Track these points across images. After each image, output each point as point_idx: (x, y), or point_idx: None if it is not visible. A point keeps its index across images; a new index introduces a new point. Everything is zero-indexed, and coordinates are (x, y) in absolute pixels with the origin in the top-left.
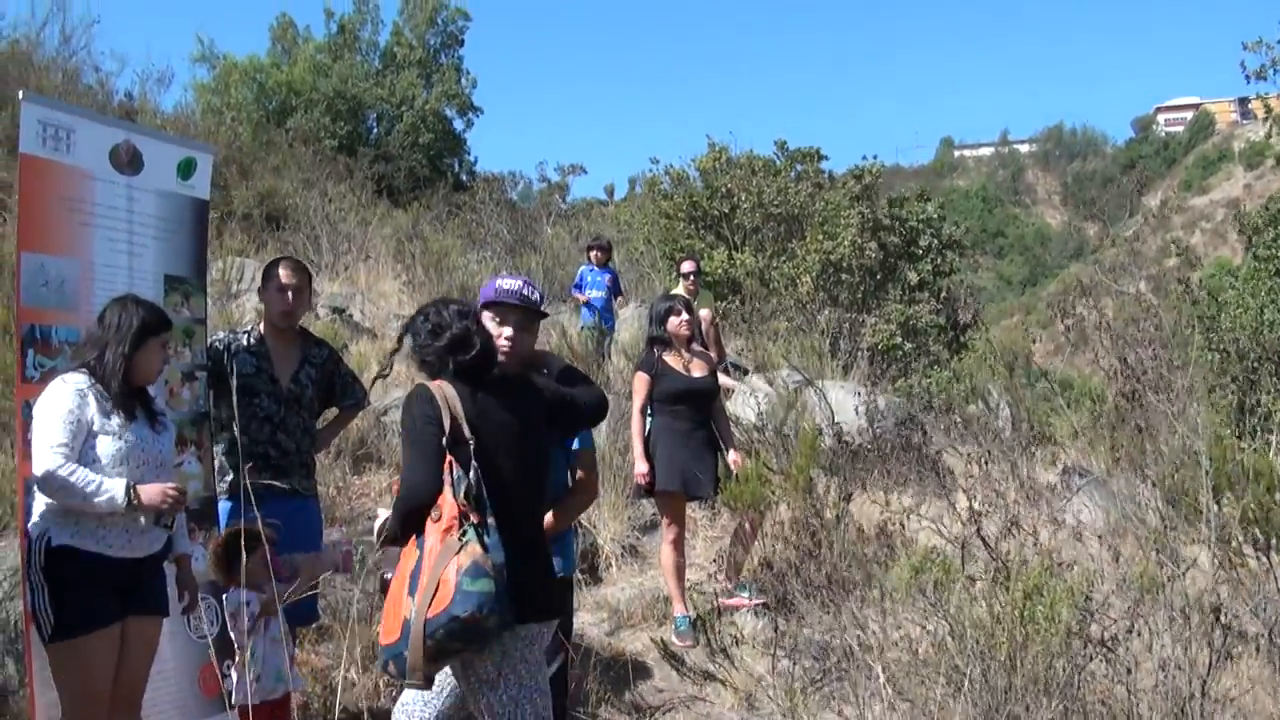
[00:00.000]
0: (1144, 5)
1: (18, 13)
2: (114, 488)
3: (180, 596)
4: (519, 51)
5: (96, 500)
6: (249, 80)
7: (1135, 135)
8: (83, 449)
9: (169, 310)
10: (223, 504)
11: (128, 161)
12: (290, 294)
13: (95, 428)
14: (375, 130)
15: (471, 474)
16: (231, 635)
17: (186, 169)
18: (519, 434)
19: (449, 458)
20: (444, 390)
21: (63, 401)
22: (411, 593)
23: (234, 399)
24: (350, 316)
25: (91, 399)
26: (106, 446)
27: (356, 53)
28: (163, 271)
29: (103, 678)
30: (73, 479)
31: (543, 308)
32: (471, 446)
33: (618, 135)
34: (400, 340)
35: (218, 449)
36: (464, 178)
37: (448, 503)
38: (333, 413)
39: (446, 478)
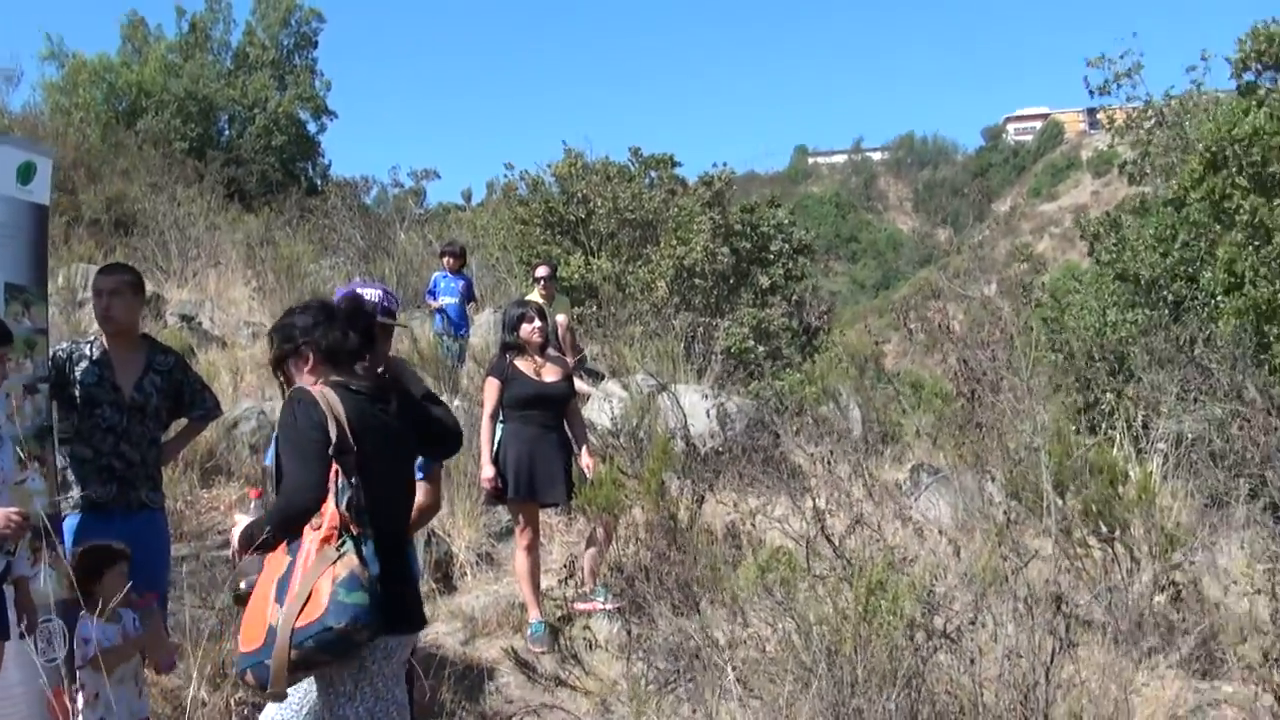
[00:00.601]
0: (993, 18)
1: None
2: None
3: (19, 619)
4: (373, 54)
5: None
6: (98, 80)
7: (985, 144)
8: None
9: (9, 320)
10: (69, 519)
11: None
12: (106, 298)
13: None
14: (227, 133)
15: (354, 483)
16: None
17: (26, 173)
18: (396, 445)
19: (334, 465)
20: (327, 396)
21: None
22: (280, 600)
23: (78, 410)
24: (199, 324)
25: None
26: None
27: (208, 52)
28: (1, 280)
29: None
30: None
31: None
32: (354, 455)
33: (474, 140)
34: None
35: (61, 463)
36: (317, 182)
37: (329, 511)
38: (183, 423)
39: (331, 486)
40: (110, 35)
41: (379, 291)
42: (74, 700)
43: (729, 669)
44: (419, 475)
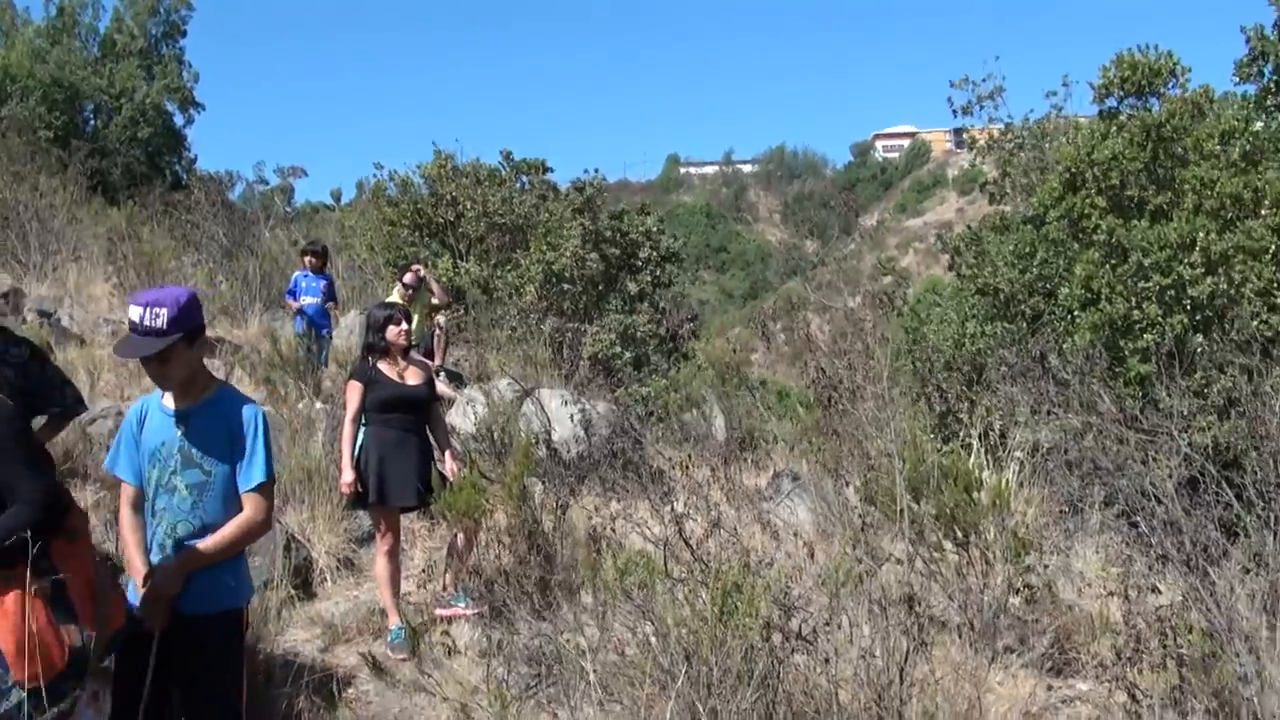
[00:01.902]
0: (864, 36)
1: None
2: None
3: None
4: (243, 44)
5: None
6: None
7: (854, 159)
8: None
9: None
10: None
11: None
12: None
13: None
14: (93, 122)
15: None
16: None
17: None
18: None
19: None
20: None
21: None
22: (68, 620)
23: None
24: (58, 320)
25: None
26: None
27: (76, 38)
28: None
29: None
30: None
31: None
32: None
33: (344, 139)
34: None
35: None
36: (183, 176)
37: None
38: (41, 421)
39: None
40: None
41: (141, 308)
42: None
43: (590, 672)
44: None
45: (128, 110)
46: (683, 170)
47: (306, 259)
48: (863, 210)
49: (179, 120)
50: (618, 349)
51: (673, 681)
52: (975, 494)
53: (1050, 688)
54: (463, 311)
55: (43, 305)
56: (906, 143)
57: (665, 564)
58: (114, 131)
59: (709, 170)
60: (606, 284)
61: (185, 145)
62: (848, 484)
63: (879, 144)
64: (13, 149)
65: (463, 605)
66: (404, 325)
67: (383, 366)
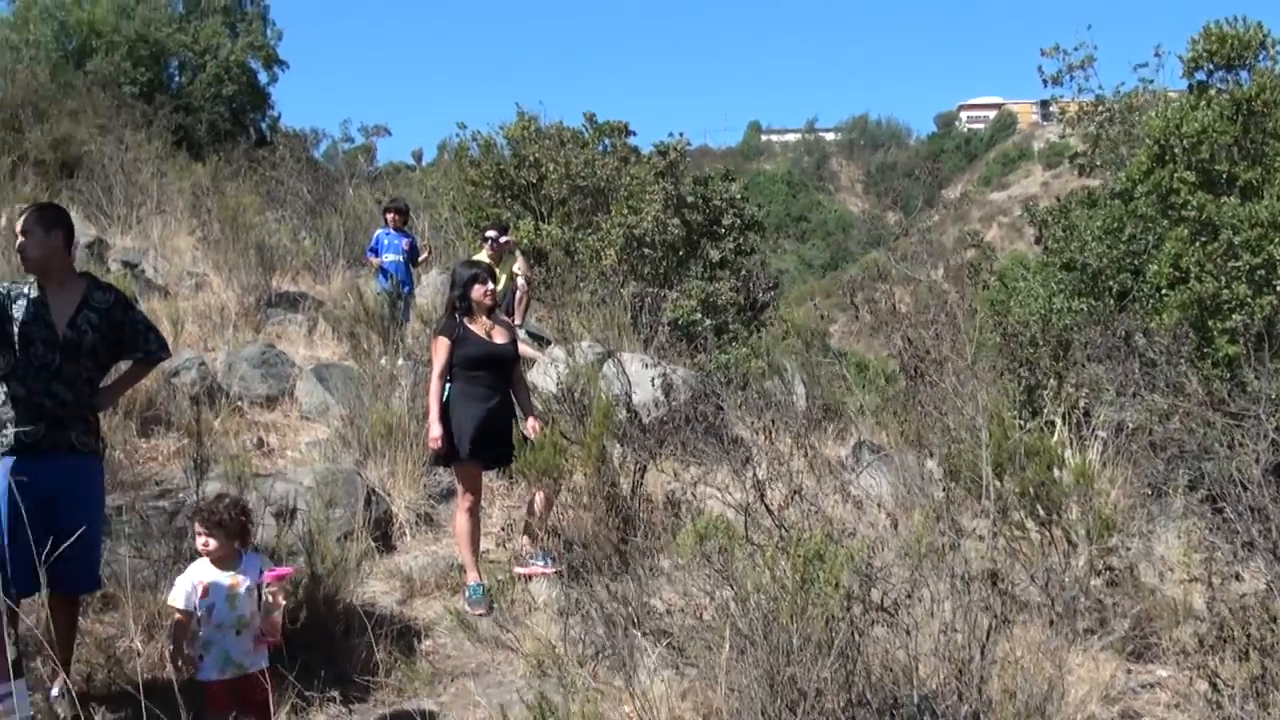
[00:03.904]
0: (949, 4)
1: None
2: None
3: None
4: (327, 4)
5: None
6: (49, 17)
7: (938, 130)
8: None
9: None
10: (3, 461)
11: None
12: (20, 236)
13: None
14: (177, 79)
15: None
16: None
17: None
18: None
19: None
20: None
21: None
22: None
23: (14, 348)
24: (142, 272)
25: None
26: None
27: None
28: None
29: None
30: None
31: None
32: None
33: (427, 99)
34: None
35: None
36: (266, 133)
37: None
38: (126, 367)
39: None
40: None
41: None
42: (3, 644)
43: (665, 635)
44: None
45: (212, 67)
46: (764, 138)
47: (389, 216)
48: (946, 182)
49: (263, 78)
50: (698, 315)
51: (752, 648)
52: (1058, 472)
53: (1129, 672)
54: (544, 273)
55: (127, 256)
56: (992, 114)
57: (746, 530)
58: (198, 88)
59: (791, 138)
60: (688, 250)
61: (269, 103)
62: (931, 456)
63: (964, 114)
64: (98, 103)
65: (540, 564)
66: (489, 285)
67: (470, 324)
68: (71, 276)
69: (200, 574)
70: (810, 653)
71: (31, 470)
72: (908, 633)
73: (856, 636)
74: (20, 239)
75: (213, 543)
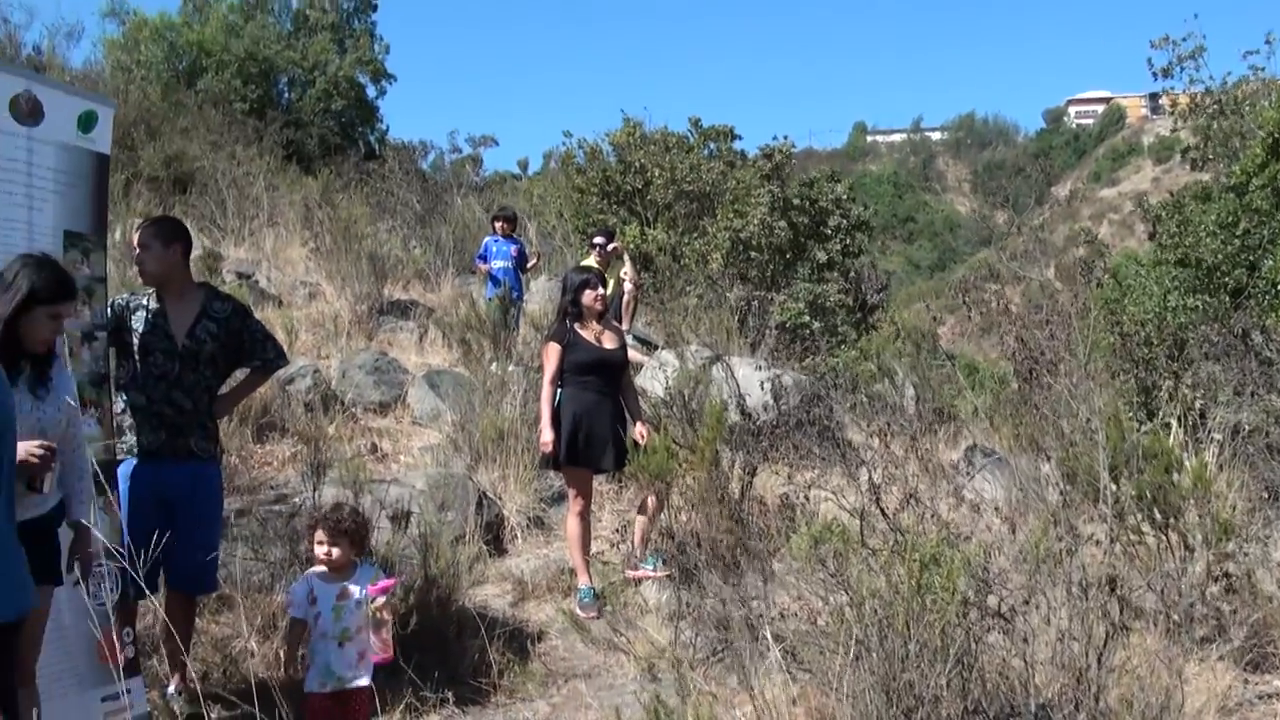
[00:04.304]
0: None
1: None
2: None
3: (70, 566)
4: (432, 18)
5: None
6: (159, 38)
7: (1046, 126)
8: None
9: (67, 268)
10: (124, 466)
11: (28, 112)
12: (139, 250)
13: None
14: (287, 95)
15: None
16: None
17: (87, 122)
18: None
19: None
20: None
21: None
22: None
23: (134, 357)
24: (256, 282)
25: None
26: None
27: (269, 14)
28: (62, 227)
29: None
30: None
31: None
32: None
33: (531, 109)
34: None
35: (116, 409)
36: (375, 146)
37: None
38: (244, 374)
39: None
40: None
41: None
42: (125, 644)
43: (781, 640)
44: None
45: (321, 83)
46: (869, 138)
47: (497, 224)
48: (1055, 179)
49: (371, 92)
50: (806, 318)
51: (867, 653)
52: (1175, 475)
53: (1247, 682)
54: (650, 278)
55: (241, 268)
56: (1100, 108)
57: (861, 534)
58: (308, 103)
59: (896, 138)
60: (794, 252)
61: (377, 116)
62: (1049, 459)
63: (1071, 109)
64: (210, 120)
65: (651, 568)
66: (600, 290)
67: (580, 329)
68: (190, 287)
69: (314, 581)
70: (927, 659)
71: (152, 475)
72: (1025, 640)
73: (973, 643)
74: (138, 253)
75: (335, 551)
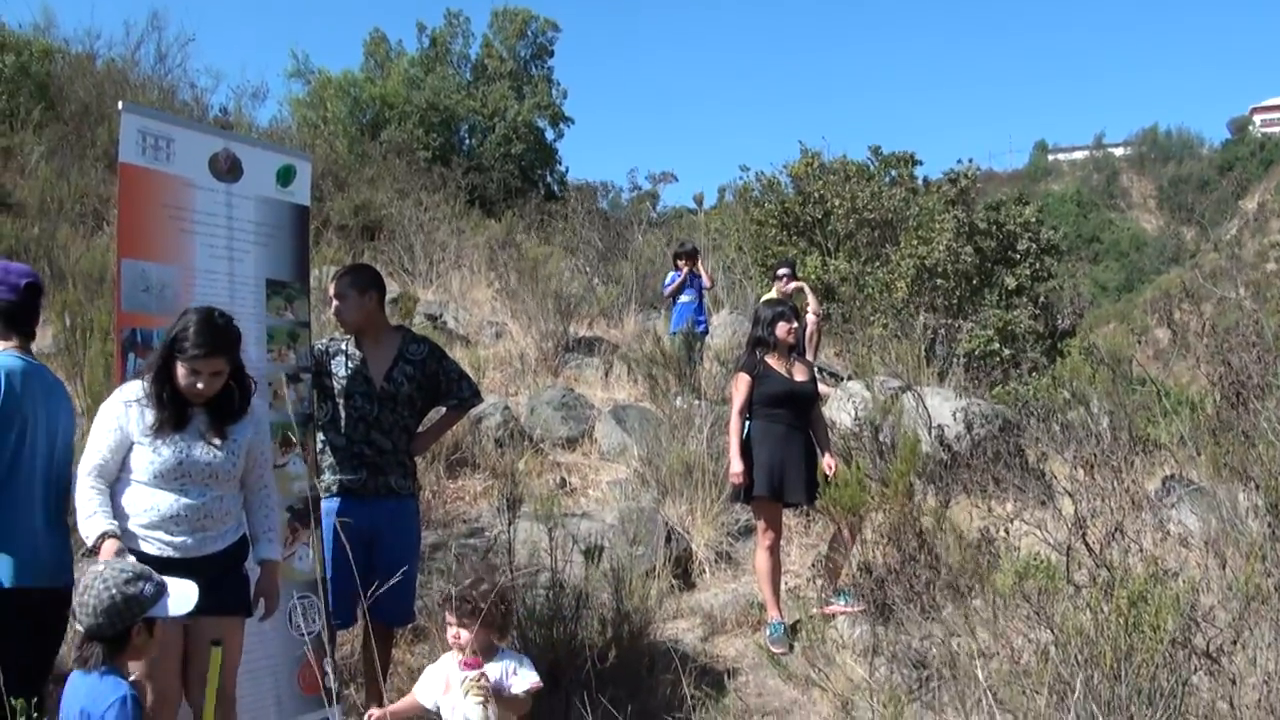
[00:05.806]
0: (1235, 4)
1: (113, 32)
2: (93, 528)
3: (255, 602)
4: (608, 60)
5: (81, 528)
6: (343, 94)
7: (1231, 136)
8: (124, 460)
9: (271, 315)
10: (326, 503)
11: (227, 169)
12: (335, 301)
13: (136, 439)
14: (468, 141)
15: None
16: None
17: (285, 176)
18: None
19: None
20: None
21: (110, 412)
22: None
23: (334, 400)
24: (444, 323)
25: (135, 410)
26: (141, 459)
27: (448, 65)
28: (264, 276)
29: (166, 671)
30: (79, 499)
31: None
32: None
33: (706, 144)
34: None
35: (319, 448)
36: (555, 187)
37: None
38: (441, 412)
39: None
40: (354, 52)
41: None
42: (325, 673)
43: (981, 678)
44: None
45: (501, 129)
46: (1051, 157)
47: (678, 261)
48: (1243, 191)
49: (549, 135)
50: (995, 345)
51: (1071, 694)
52: None
53: None
54: (836, 308)
55: (429, 309)
56: None
57: (1068, 569)
58: (488, 149)
59: (1078, 156)
60: (981, 278)
61: (556, 158)
62: (1258, 488)
63: (1257, 118)
64: (395, 169)
65: (843, 603)
66: (793, 323)
67: (771, 362)
68: (387, 331)
69: (446, 669)
70: (1137, 704)
71: (353, 512)
72: (1233, 682)
73: (1180, 685)
74: (335, 303)
75: (464, 634)
